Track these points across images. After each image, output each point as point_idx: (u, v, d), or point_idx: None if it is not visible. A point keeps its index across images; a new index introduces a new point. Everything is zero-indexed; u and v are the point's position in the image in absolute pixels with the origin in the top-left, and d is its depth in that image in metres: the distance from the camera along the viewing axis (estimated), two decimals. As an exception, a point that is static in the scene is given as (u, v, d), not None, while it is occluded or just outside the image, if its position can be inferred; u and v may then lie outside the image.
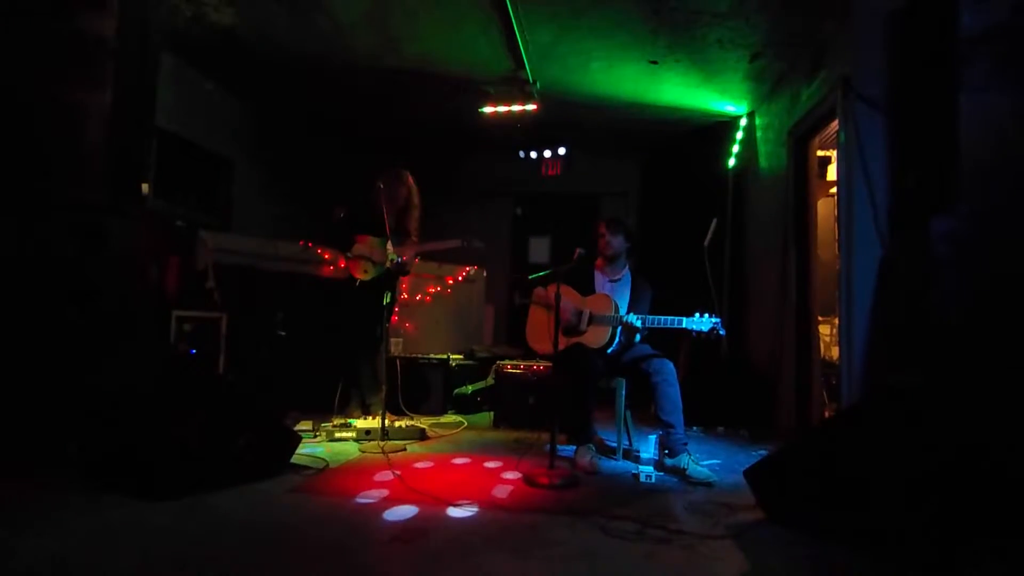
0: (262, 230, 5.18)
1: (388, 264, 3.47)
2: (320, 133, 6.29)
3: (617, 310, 3.16)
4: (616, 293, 3.27)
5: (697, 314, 2.91)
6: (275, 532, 1.89)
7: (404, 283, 5.06)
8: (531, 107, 5.06)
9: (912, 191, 2.69)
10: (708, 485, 2.67)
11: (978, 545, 1.81)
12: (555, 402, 3.00)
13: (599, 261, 3.39)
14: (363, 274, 3.67)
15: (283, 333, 4.14)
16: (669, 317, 2.98)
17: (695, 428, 4.08)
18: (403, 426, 3.47)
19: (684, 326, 2.92)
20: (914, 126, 2.73)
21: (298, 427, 3.35)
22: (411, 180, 3.84)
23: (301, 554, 1.72)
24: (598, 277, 3.37)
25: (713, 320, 2.88)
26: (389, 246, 3.48)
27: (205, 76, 4.90)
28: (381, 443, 3.14)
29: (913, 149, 2.73)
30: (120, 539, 1.80)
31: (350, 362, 3.82)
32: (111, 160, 2.79)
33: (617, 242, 3.31)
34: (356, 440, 3.27)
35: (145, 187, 2.98)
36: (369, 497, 2.28)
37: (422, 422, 3.82)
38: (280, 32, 4.14)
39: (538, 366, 4.06)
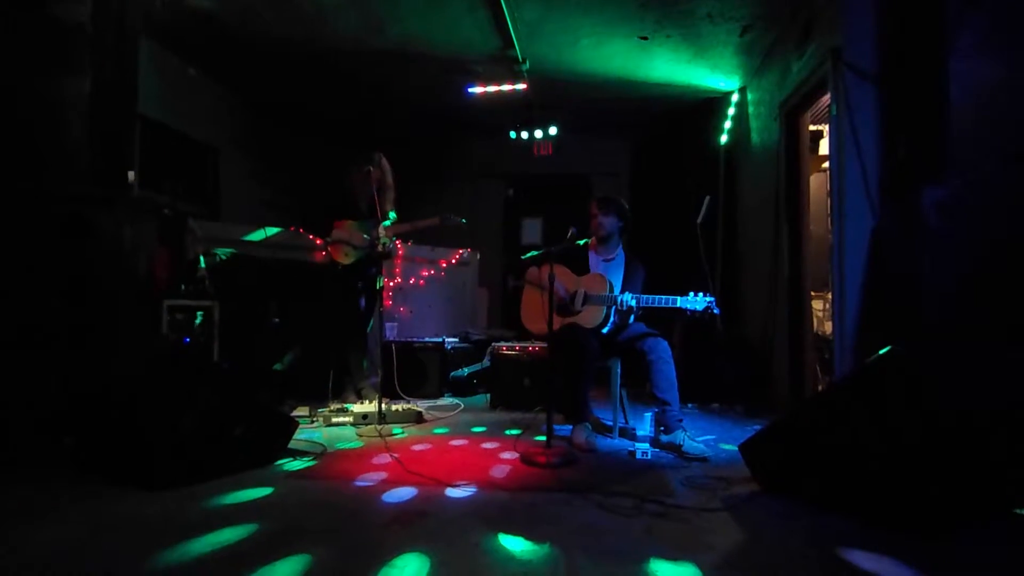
0: (251, 217, 5.13)
1: (380, 248, 3.45)
2: (306, 119, 6.21)
3: (611, 289, 3.16)
4: (610, 273, 3.27)
5: (691, 293, 2.92)
6: (276, 517, 1.89)
7: (398, 267, 5.04)
8: (520, 87, 5.01)
9: (903, 161, 2.69)
10: (704, 460, 2.69)
11: (971, 514, 1.84)
12: (551, 382, 3.01)
13: (592, 241, 3.38)
14: (344, 258, 3.66)
15: (276, 320, 4.12)
16: (663, 297, 2.98)
17: (690, 405, 4.12)
18: (400, 410, 3.48)
19: (679, 306, 2.92)
20: (905, 95, 2.71)
21: (295, 413, 3.35)
22: (385, 161, 3.80)
23: (302, 538, 1.72)
24: (592, 257, 3.36)
25: (707, 299, 2.88)
26: (382, 229, 3.46)
27: (188, 62, 4.81)
28: (378, 427, 3.15)
29: (904, 119, 2.72)
30: (122, 530, 1.80)
31: (339, 347, 3.81)
32: (94, 149, 2.74)
33: (609, 222, 3.30)
34: (353, 425, 3.28)
35: (130, 176, 2.94)
36: (368, 480, 2.29)
37: (419, 405, 3.83)
38: (262, 15, 4.06)
39: (533, 347, 4.07)
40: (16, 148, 2.67)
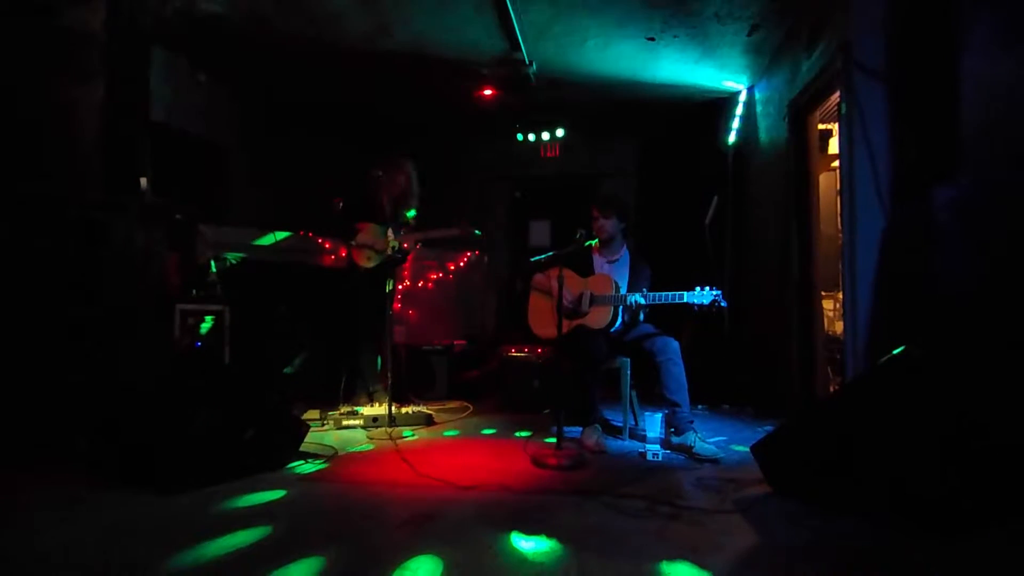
0: (262, 221, 5.16)
1: (389, 252, 3.46)
2: (316, 122, 6.24)
3: (618, 289, 3.15)
4: (615, 273, 3.27)
5: (698, 288, 2.91)
6: (287, 520, 1.90)
7: (406, 270, 5.05)
8: (527, 88, 5.01)
9: (915, 160, 2.66)
10: (715, 462, 2.68)
11: (985, 516, 1.82)
12: (560, 384, 3.01)
13: (595, 243, 3.38)
14: (366, 262, 3.66)
15: (286, 324, 4.15)
16: (670, 293, 2.98)
17: (700, 406, 4.10)
18: (410, 412, 3.48)
19: (685, 300, 2.92)
20: (916, 93, 2.69)
21: (305, 416, 3.37)
22: (410, 167, 3.80)
23: (314, 541, 1.73)
24: (596, 259, 3.36)
25: (714, 293, 2.87)
26: (390, 233, 3.47)
27: (198, 67, 4.85)
28: (388, 430, 3.16)
29: (915, 117, 2.69)
30: (135, 532, 1.81)
31: (353, 350, 3.83)
32: (107, 155, 2.78)
33: (610, 224, 3.29)
34: (363, 428, 3.29)
35: (143, 181, 2.97)
36: (379, 483, 2.29)
37: (428, 408, 3.83)
38: (271, 20, 4.09)
39: (541, 349, 4.06)
40: (31, 154, 2.70)
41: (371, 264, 3.67)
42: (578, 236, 3.02)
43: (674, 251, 4.83)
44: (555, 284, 2.84)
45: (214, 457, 2.28)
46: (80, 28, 2.77)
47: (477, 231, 3.81)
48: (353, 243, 3.69)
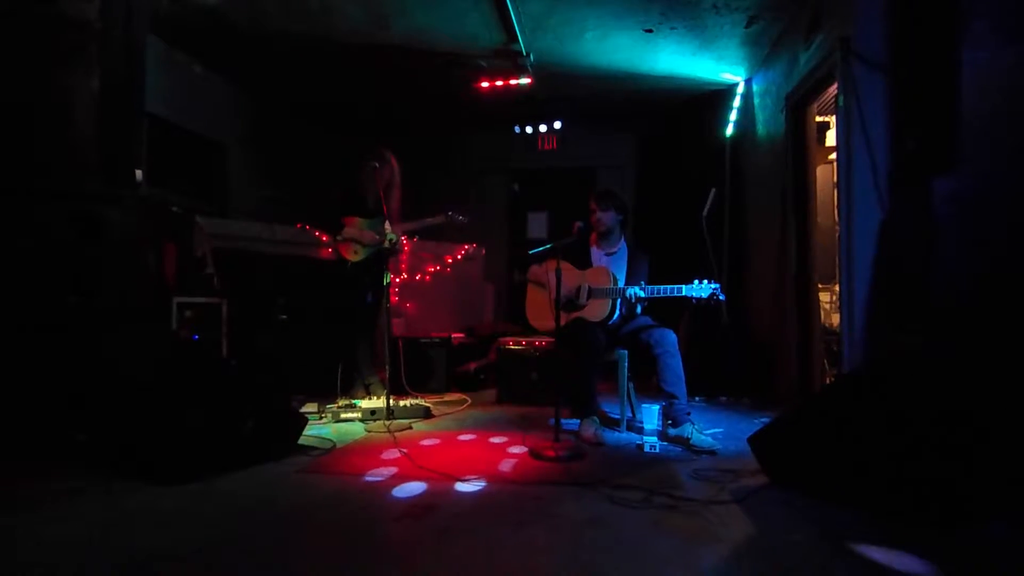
0: (259, 214, 5.15)
1: (386, 244, 3.47)
2: (313, 114, 6.21)
3: (615, 282, 3.16)
4: (613, 266, 3.27)
5: (696, 281, 2.92)
6: (287, 512, 1.91)
7: (403, 263, 5.05)
8: (525, 80, 4.99)
9: (913, 152, 2.66)
10: (712, 453, 2.69)
11: (978, 507, 1.83)
12: (558, 377, 3.02)
13: (593, 236, 3.38)
14: (353, 255, 3.67)
15: (284, 317, 4.14)
16: (669, 286, 2.98)
17: (697, 398, 4.11)
18: (408, 405, 3.49)
19: (684, 294, 2.93)
20: (915, 86, 2.68)
21: (304, 409, 3.37)
22: (393, 159, 3.80)
23: (313, 533, 1.74)
24: (594, 252, 3.36)
25: (712, 286, 2.88)
26: (387, 226, 3.47)
27: (194, 59, 4.81)
28: (387, 422, 3.17)
29: (914, 110, 2.69)
30: (136, 523, 1.82)
31: (348, 343, 3.83)
32: (103, 146, 2.76)
33: (608, 217, 3.29)
34: (362, 420, 3.30)
35: (138, 173, 2.95)
36: (377, 475, 2.30)
37: (426, 401, 3.84)
38: (267, 11, 4.06)
39: (539, 342, 4.07)
40: (26, 146, 2.69)
41: (358, 258, 3.68)
42: (576, 229, 3.03)
43: (672, 243, 4.83)
44: (553, 277, 2.84)
45: (213, 449, 2.29)
46: (76, 16, 2.74)
47: (464, 217, 3.83)
48: (339, 237, 3.69)
